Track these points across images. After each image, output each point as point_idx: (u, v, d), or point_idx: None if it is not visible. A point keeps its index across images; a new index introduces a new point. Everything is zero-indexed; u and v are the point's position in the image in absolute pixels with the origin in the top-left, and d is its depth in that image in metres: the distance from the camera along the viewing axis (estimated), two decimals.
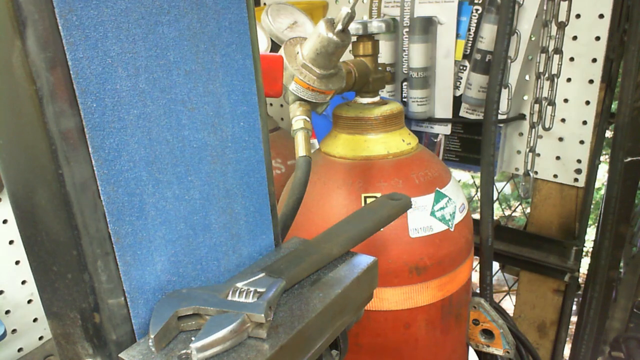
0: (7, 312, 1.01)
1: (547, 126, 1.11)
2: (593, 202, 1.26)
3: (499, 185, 1.62)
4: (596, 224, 1.20)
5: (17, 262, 1.02)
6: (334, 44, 0.70)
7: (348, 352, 0.52)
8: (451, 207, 0.83)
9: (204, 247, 0.41)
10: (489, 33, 1.10)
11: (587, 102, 1.10)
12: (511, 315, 1.24)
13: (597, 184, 1.24)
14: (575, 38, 1.07)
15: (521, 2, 1.05)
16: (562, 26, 1.02)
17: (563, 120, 1.14)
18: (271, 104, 1.54)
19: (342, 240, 0.48)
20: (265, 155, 0.46)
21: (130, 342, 0.37)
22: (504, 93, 1.11)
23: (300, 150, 0.69)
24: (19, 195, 0.35)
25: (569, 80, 1.10)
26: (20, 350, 1.04)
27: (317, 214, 0.81)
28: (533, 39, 1.10)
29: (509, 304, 1.53)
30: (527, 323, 1.33)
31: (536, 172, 1.20)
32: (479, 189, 1.10)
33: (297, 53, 0.74)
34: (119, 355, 0.35)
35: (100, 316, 0.35)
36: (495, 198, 1.12)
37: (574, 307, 1.33)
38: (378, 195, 0.79)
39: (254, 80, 0.44)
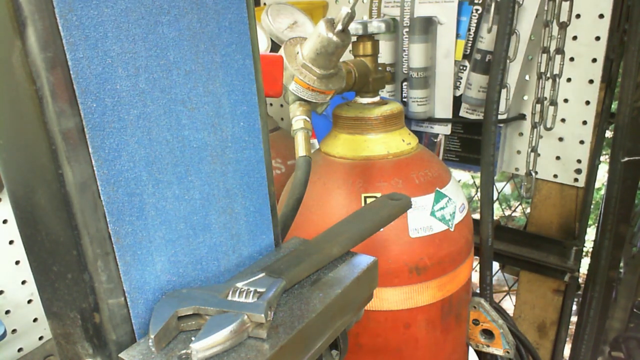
0: (7, 312, 1.01)
1: (548, 126, 1.11)
2: (593, 202, 1.26)
3: (499, 185, 1.62)
4: (596, 224, 1.20)
5: (17, 262, 1.02)
6: (334, 44, 0.70)
7: (348, 352, 0.52)
8: (451, 207, 0.83)
9: (204, 247, 0.41)
10: (488, 33, 1.10)
11: (587, 102, 1.10)
12: (511, 315, 1.24)
13: (597, 184, 1.24)
14: (575, 38, 1.07)
15: (521, 2, 1.05)
16: (563, 26, 1.02)
17: (563, 120, 1.14)
18: (271, 104, 1.54)
19: (342, 240, 0.48)
20: (265, 155, 0.46)
21: (130, 342, 0.37)
22: (503, 93, 1.11)
23: (300, 150, 0.69)
24: (19, 195, 0.35)
25: (569, 80, 1.10)
26: (20, 350, 1.04)
27: (317, 214, 0.81)
28: (533, 39, 1.10)
29: (509, 304, 1.53)
30: (527, 323, 1.33)
31: (536, 172, 1.20)
32: (479, 189, 1.10)
33: (297, 53, 0.74)
34: (119, 355, 0.35)
35: (100, 316, 0.35)
36: (495, 198, 1.12)
37: (574, 307, 1.33)
38: (378, 195, 0.79)
39: (254, 80, 0.44)
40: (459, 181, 1.82)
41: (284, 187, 0.93)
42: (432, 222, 0.80)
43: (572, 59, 1.09)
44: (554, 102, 1.08)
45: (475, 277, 1.07)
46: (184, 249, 0.40)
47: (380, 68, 0.88)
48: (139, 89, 0.35)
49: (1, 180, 0.80)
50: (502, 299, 1.63)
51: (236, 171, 0.43)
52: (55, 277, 0.36)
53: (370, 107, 0.85)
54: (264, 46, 1.07)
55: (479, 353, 1.01)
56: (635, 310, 1.21)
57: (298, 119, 0.73)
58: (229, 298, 0.38)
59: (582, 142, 1.13)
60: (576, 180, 1.17)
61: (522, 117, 1.17)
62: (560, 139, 1.16)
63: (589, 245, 1.28)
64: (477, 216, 1.07)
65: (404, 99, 1.26)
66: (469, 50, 1.15)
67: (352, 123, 0.85)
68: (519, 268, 1.32)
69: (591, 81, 1.08)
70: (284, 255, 0.45)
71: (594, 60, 1.06)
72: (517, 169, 1.23)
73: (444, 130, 1.26)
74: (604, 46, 1.05)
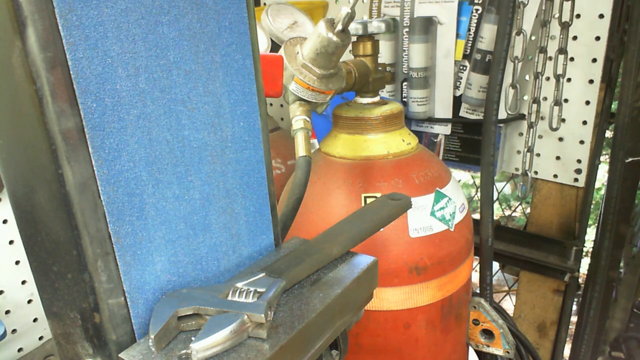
0: (7, 312, 1.01)
1: (554, 126, 1.10)
2: (593, 202, 1.26)
3: (499, 185, 1.62)
4: (596, 224, 1.20)
5: (17, 262, 1.02)
6: (334, 44, 0.70)
7: (348, 352, 0.52)
8: (451, 207, 0.83)
9: (204, 247, 0.41)
10: (489, 33, 1.10)
11: (587, 102, 1.10)
12: (511, 315, 1.24)
13: (597, 184, 1.24)
14: (575, 38, 1.07)
15: (526, 2, 1.05)
16: (565, 26, 1.02)
17: (563, 120, 1.14)
18: (271, 104, 1.54)
19: (342, 240, 0.48)
20: (265, 155, 0.46)
21: (130, 342, 0.37)
22: (511, 93, 1.11)
23: (300, 150, 0.69)
24: (19, 195, 0.35)
25: (569, 80, 1.10)
26: (20, 350, 1.04)
27: (317, 214, 0.81)
28: (533, 38, 1.10)
29: (509, 304, 1.53)
30: (527, 323, 1.33)
31: (536, 172, 1.20)
32: (479, 189, 1.10)
33: (297, 53, 0.74)
34: (119, 355, 0.35)
35: (100, 316, 0.35)
36: (495, 198, 1.12)
37: (574, 307, 1.33)
38: (378, 195, 0.79)
39: (254, 80, 0.44)
40: (459, 181, 1.82)
41: (284, 187, 0.93)
42: (432, 222, 0.80)
43: (572, 59, 1.08)
44: (558, 102, 1.08)
45: (475, 277, 1.07)
46: (184, 249, 0.40)
47: (380, 68, 0.88)
48: (139, 89, 0.35)
49: (1, 180, 0.80)
50: (502, 299, 1.63)
51: (236, 171, 0.43)
52: (55, 277, 0.36)
53: (370, 107, 0.85)
54: (264, 46, 1.07)
55: (479, 353, 1.01)
56: (635, 310, 1.21)
57: (298, 119, 0.73)
58: (229, 298, 0.38)
59: (582, 142, 1.13)
60: (576, 180, 1.17)
61: (522, 117, 1.17)
62: (560, 139, 1.16)
63: (589, 245, 1.28)
64: (477, 216, 1.07)
65: (404, 99, 1.26)
66: (469, 50, 1.15)
67: (352, 123, 0.85)
68: (519, 268, 1.32)
69: (591, 81, 1.08)
70: (284, 255, 0.45)
71: (594, 60, 1.06)
72: (517, 169, 1.23)
73: (444, 130, 1.26)
74: (604, 46, 1.05)
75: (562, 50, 1.04)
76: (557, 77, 1.06)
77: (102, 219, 0.34)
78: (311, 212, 0.82)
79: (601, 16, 1.03)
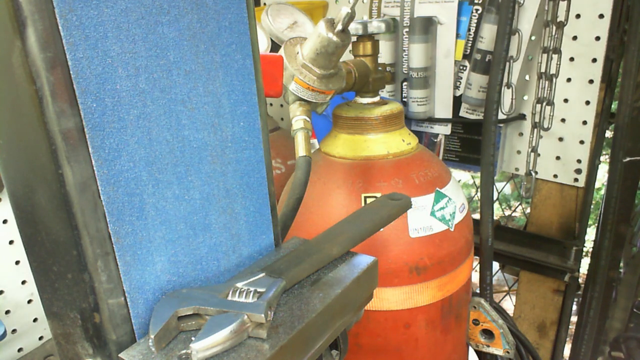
0: (7, 312, 1.01)
1: (545, 126, 1.10)
2: (593, 202, 1.26)
3: (499, 185, 1.62)
4: (596, 224, 1.20)
5: (17, 262, 1.02)
6: (334, 44, 0.70)
7: (348, 352, 0.52)
8: (451, 207, 0.83)
9: (204, 247, 0.41)
10: (489, 33, 1.10)
11: (587, 102, 1.10)
12: (511, 315, 1.24)
13: (597, 184, 1.24)
14: (575, 38, 1.07)
15: (521, 2, 1.05)
16: (560, 26, 1.02)
17: (563, 120, 1.14)
18: (271, 104, 1.54)
19: (342, 240, 0.48)
20: (265, 155, 0.46)
21: (130, 342, 0.37)
22: (507, 92, 1.11)
23: (300, 150, 0.69)
24: (19, 195, 0.35)
25: (569, 80, 1.10)
26: (20, 350, 1.04)
27: (317, 214, 0.81)
28: (533, 38, 1.10)
29: (509, 304, 1.53)
30: (527, 323, 1.33)
31: (536, 172, 1.20)
32: (479, 189, 1.10)
33: (297, 53, 0.74)
34: (119, 355, 0.35)
35: (100, 316, 0.35)
36: (495, 198, 1.12)
37: (574, 307, 1.33)
38: (378, 195, 0.79)
39: (254, 80, 0.44)
40: (459, 181, 1.82)
41: (284, 187, 0.93)
42: (432, 222, 0.80)
43: (572, 59, 1.08)
44: (550, 102, 1.08)
45: (475, 277, 1.07)
46: (184, 249, 0.40)
47: (380, 68, 0.88)
48: (139, 89, 0.35)
49: (1, 180, 0.80)
50: (502, 299, 1.63)
51: (236, 171, 0.43)
52: (55, 277, 0.36)
53: (370, 107, 0.85)
54: (264, 46, 1.07)
55: (479, 353, 1.01)
56: (635, 310, 1.21)
57: (298, 119, 0.73)
58: (229, 298, 0.38)
59: (582, 142, 1.13)
60: (576, 180, 1.17)
61: (522, 117, 1.17)
62: (560, 139, 1.16)
63: (589, 245, 1.28)
64: (477, 216, 1.07)
65: (404, 99, 1.26)
66: (469, 50, 1.15)
67: (352, 123, 0.85)
68: (519, 268, 1.32)
69: (591, 81, 1.08)
70: (284, 255, 0.45)
71: (594, 60, 1.06)
72: (517, 169, 1.23)
73: (444, 130, 1.26)
74: (604, 46, 1.05)
75: (557, 50, 1.03)
76: (550, 77, 1.06)
77: (102, 219, 0.34)
78: (311, 212, 0.82)
79: (601, 16, 1.03)
